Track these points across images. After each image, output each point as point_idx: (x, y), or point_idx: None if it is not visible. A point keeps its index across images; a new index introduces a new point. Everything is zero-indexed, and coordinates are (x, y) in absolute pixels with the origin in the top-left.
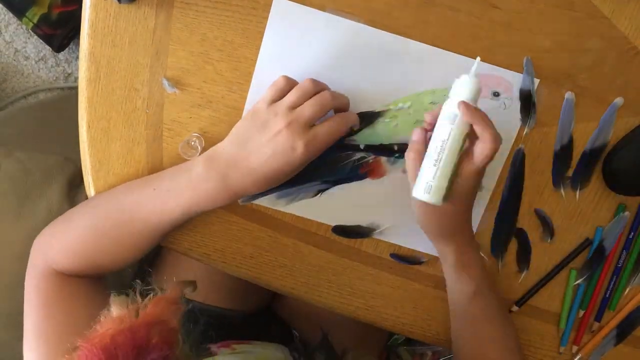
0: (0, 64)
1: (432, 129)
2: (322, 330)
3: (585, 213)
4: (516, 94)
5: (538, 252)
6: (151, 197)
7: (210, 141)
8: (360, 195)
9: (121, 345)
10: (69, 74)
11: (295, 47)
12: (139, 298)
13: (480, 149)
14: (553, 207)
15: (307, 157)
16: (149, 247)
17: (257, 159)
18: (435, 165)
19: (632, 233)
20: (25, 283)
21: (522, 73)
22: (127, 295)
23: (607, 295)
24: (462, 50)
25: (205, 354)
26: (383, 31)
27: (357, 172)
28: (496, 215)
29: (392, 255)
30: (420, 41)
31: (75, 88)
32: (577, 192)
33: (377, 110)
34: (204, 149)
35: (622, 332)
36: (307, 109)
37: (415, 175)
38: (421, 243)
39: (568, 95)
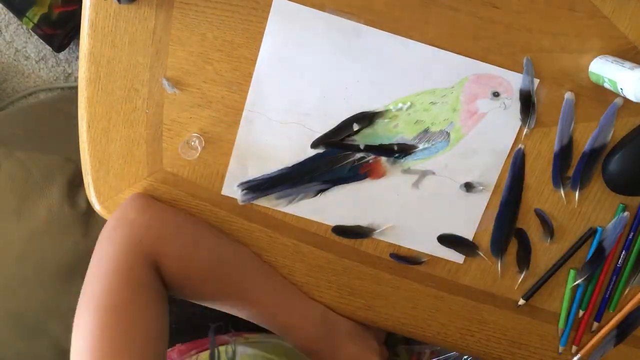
0: (1, 64)
1: None
2: None
3: (585, 213)
4: (516, 94)
5: (538, 252)
6: (269, 294)
7: (210, 141)
8: (360, 195)
9: None
10: (70, 74)
11: (295, 47)
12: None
13: None
14: (553, 207)
15: None
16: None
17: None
18: None
19: (632, 233)
20: (103, 239)
21: (522, 73)
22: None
23: (606, 296)
24: (462, 50)
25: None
26: (383, 31)
27: (357, 172)
28: (496, 215)
29: (392, 255)
30: (420, 41)
31: (76, 88)
32: (577, 192)
33: (377, 110)
34: (204, 149)
35: (622, 332)
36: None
37: None
38: (421, 243)
39: (568, 95)
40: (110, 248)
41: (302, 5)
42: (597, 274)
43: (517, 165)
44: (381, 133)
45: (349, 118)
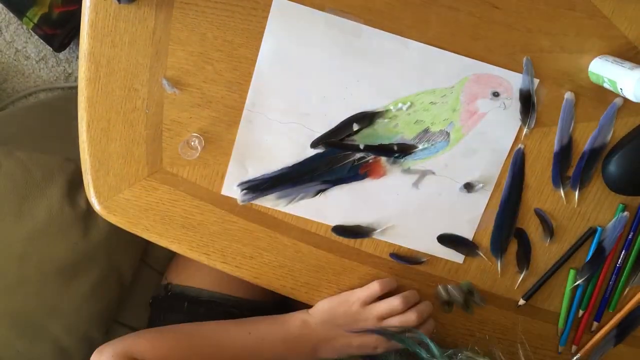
0: (1, 64)
1: None
2: None
3: (585, 213)
4: (516, 94)
5: (538, 252)
6: (245, 339)
7: (210, 141)
8: (360, 195)
9: None
10: (70, 74)
11: (295, 47)
12: None
13: None
14: (553, 207)
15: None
16: None
17: (343, 345)
18: None
19: (632, 233)
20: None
21: (522, 73)
22: None
23: (606, 295)
24: (462, 50)
25: None
26: (383, 31)
27: (357, 172)
28: (496, 215)
29: (392, 255)
30: (420, 41)
31: (76, 88)
32: (577, 192)
33: (377, 110)
34: (203, 149)
35: (622, 332)
36: (391, 323)
37: None
38: (421, 243)
39: (568, 95)
40: None
41: (302, 5)
42: (597, 274)
43: (517, 165)
44: (381, 133)
45: (349, 118)
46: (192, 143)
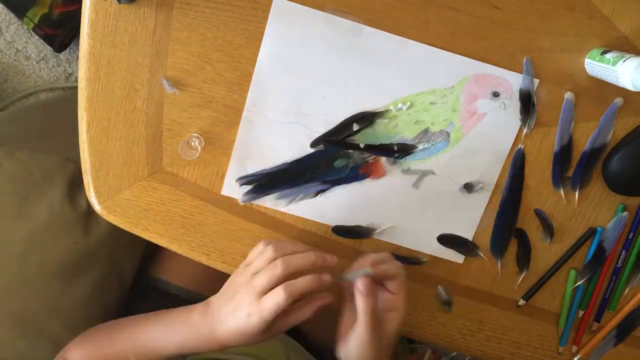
0: (1, 64)
1: None
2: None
3: (585, 213)
4: (516, 94)
5: (538, 252)
6: (154, 326)
7: (210, 141)
8: (360, 195)
9: None
10: (70, 74)
11: (295, 47)
12: None
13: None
14: (553, 207)
15: (261, 326)
16: None
17: (235, 320)
18: None
19: (632, 233)
20: None
21: (522, 73)
22: None
23: (606, 296)
24: (462, 50)
25: None
26: (383, 31)
27: (357, 172)
28: (496, 215)
29: (392, 255)
30: (420, 41)
31: (76, 88)
32: (577, 192)
33: (377, 110)
34: (203, 149)
35: (622, 332)
36: (259, 280)
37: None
38: (421, 243)
39: (568, 95)
40: None
41: (302, 5)
42: (597, 274)
43: (517, 165)
44: (381, 133)
45: (349, 118)
46: (192, 143)
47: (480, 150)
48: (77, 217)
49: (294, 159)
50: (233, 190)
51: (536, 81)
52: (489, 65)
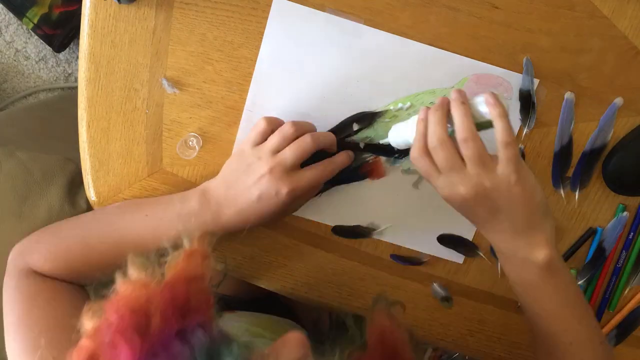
0: (1, 64)
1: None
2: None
3: (585, 213)
4: (516, 94)
5: None
6: (142, 222)
7: (209, 141)
8: (360, 195)
9: (160, 307)
10: (70, 74)
11: (295, 47)
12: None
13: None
14: (553, 207)
15: (291, 202)
16: None
17: (245, 200)
18: None
19: (632, 233)
20: (4, 285)
21: (522, 73)
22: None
23: (606, 296)
24: (462, 50)
25: None
26: (383, 31)
27: (357, 172)
28: None
29: (392, 256)
30: (420, 41)
31: (76, 88)
32: (577, 192)
33: (377, 110)
34: (204, 150)
35: (622, 332)
36: (288, 155)
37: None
38: (421, 243)
39: (568, 95)
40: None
41: (302, 5)
42: (597, 274)
43: None
44: (381, 133)
45: (348, 118)
46: (190, 142)
47: None
48: None
49: None
50: None
51: (536, 81)
52: (489, 65)
